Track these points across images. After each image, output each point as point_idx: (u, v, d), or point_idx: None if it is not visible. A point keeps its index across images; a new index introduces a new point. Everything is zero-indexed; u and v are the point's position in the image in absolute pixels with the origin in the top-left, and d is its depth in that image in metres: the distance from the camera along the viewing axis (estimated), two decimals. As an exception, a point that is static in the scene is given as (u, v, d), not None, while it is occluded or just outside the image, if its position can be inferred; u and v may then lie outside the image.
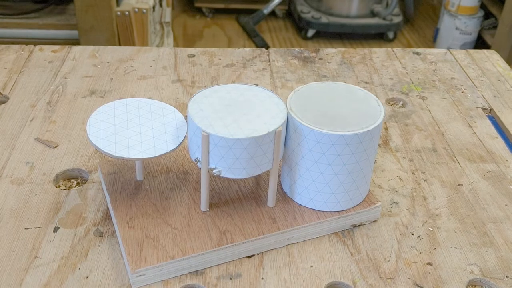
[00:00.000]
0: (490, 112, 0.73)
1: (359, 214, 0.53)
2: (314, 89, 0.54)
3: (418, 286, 0.48)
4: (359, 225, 0.54)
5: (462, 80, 0.79)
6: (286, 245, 0.51)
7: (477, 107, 0.73)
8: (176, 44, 2.20)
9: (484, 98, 0.75)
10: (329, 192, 0.51)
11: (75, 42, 1.57)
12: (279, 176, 0.55)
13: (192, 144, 0.50)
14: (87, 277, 0.47)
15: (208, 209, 0.52)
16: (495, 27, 2.38)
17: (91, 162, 0.60)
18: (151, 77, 0.75)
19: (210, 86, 0.53)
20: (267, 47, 2.18)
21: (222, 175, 0.49)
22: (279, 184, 0.55)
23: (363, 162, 0.50)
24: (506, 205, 0.57)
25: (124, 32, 1.51)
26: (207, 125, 0.47)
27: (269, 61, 0.80)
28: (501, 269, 0.50)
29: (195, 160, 0.50)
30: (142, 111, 0.54)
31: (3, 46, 0.81)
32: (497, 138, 0.67)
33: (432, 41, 2.65)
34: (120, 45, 1.52)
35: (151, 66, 0.77)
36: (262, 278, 0.48)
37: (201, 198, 0.51)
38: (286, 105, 0.51)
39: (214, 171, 0.49)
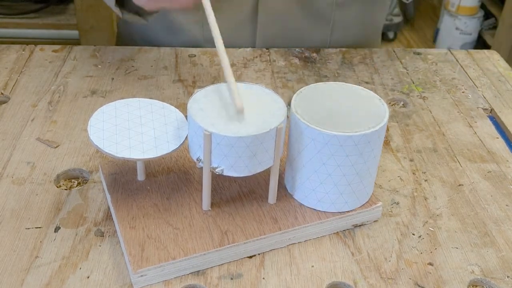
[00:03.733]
0: (490, 112, 0.73)
1: (360, 214, 0.53)
2: (316, 90, 0.54)
3: (419, 286, 0.48)
4: (360, 225, 0.54)
5: (463, 80, 0.79)
6: (287, 245, 0.51)
7: (477, 107, 0.73)
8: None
9: (485, 98, 0.75)
10: (337, 193, 0.51)
11: (75, 42, 1.57)
12: (280, 173, 0.54)
13: (193, 144, 0.50)
14: (88, 277, 0.47)
15: (209, 208, 0.52)
16: (495, 27, 2.38)
17: (92, 162, 0.60)
18: (152, 77, 0.75)
19: (209, 85, 0.53)
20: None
21: (224, 173, 0.49)
22: (282, 184, 0.55)
23: (370, 162, 0.50)
24: (506, 205, 0.58)
25: (124, 32, 1.51)
26: (208, 124, 0.47)
27: (269, 61, 0.80)
28: (502, 269, 0.50)
29: (197, 159, 0.50)
30: (143, 111, 0.54)
31: (3, 46, 0.81)
32: (497, 138, 0.68)
33: (432, 41, 2.65)
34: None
35: (151, 66, 0.77)
36: (263, 278, 0.48)
37: (202, 197, 0.52)
38: (291, 107, 0.51)
39: (216, 169, 0.49)
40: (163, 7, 0.65)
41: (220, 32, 0.82)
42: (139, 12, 0.73)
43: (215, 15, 0.81)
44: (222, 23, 0.83)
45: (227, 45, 0.83)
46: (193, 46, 0.83)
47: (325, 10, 0.83)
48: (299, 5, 0.81)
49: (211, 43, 0.83)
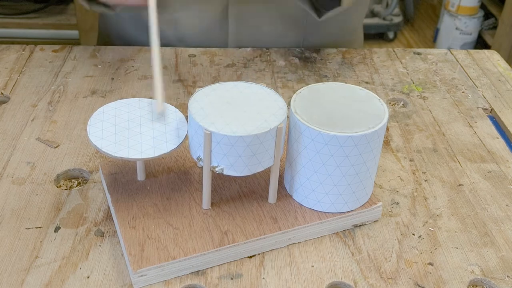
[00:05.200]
0: (490, 112, 0.73)
1: (360, 214, 0.53)
2: (316, 90, 0.54)
3: (419, 286, 0.48)
4: (360, 225, 0.54)
5: (463, 80, 0.79)
6: (287, 245, 0.51)
7: (477, 107, 0.73)
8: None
9: (485, 98, 0.75)
10: (337, 194, 0.51)
11: (75, 42, 1.57)
12: (280, 174, 0.55)
13: (194, 143, 0.50)
14: (88, 277, 0.47)
15: (209, 207, 0.52)
16: (495, 27, 2.38)
17: (92, 162, 0.60)
18: (152, 77, 0.75)
19: (209, 85, 0.53)
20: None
21: (224, 172, 0.49)
22: (282, 184, 0.55)
23: (370, 162, 0.50)
24: (506, 205, 0.58)
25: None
26: (209, 124, 0.47)
27: (269, 61, 0.80)
28: (502, 269, 0.50)
29: (197, 158, 0.50)
30: (143, 111, 0.54)
31: (3, 46, 0.81)
32: (497, 138, 0.68)
33: (432, 41, 2.65)
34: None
35: (152, 66, 0.77)
36: (263, 278, 0.48)
37: (203, 196, 0.52)
38: (291, 108, 0.51)
39: (216, 168, 0.49)
40: (121, 2, 0.67)
41: (191, 30, 0.83)
42: (105, 3, 0.74)
43: (185, 14, 0.81)
44: (192, 21, 0.83)
45: (198, 45, 0.83)
46: (166, 45, 0.83)
47: (297, 13, 0.82)
48: (269, 6, 0.81)
49: (184, 43, 0.84)
